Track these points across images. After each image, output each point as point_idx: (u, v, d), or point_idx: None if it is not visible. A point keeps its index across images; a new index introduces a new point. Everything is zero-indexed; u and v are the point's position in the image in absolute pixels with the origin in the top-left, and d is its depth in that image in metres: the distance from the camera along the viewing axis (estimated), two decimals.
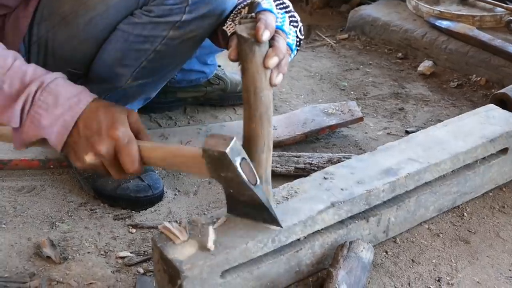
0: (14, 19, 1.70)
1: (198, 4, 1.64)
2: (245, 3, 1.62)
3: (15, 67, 1.43)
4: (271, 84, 1.40)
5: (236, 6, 1.67)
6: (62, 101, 1.42)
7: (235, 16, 1.61)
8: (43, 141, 1.47)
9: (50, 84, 1.44)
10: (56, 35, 1.69)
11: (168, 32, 1.68)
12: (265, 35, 1.34)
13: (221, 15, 1.69)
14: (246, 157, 1.37)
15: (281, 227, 1.48)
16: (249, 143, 1.44)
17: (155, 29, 1.67)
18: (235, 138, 1.34)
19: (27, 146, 1.49)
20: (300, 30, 1.61)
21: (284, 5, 1.59)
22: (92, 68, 1.77)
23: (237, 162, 1.34)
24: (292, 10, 1.62)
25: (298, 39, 1.61)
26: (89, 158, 1.44)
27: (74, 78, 1.78)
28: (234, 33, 1.45)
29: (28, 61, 1.70)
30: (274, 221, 1.48)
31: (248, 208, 1.47)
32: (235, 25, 1.54)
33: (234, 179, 1.37)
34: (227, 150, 1.30)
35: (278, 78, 1.41)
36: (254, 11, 1.41)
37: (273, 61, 1.37)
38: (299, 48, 1.62)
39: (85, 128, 1.43)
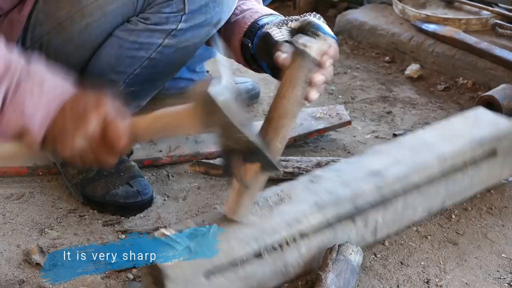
0: (7, 23, 1.70)
1: (194, 13, 1.65)
2: (294, 17, 1.61)
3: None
4: (308, 100, 1.48)
5: (255, 16, 1.69)
6: (47, 89, 1.40)
7: (281, 24, 1.60)
8: (19, 141, 1.42)
9: (36, 72, 1.41)
10: (51, 40, 1.69)
11: (163, 40, 1.69)
12: (329, 62, 1.47)
13: (217, 25, 1.70)
14: (233, 96, 1.36)
15: (279, 170, 1.49)
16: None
17: (151, 37, 1.68)
18: (221, 77, 1.35)
19: (7, 138, 1.43)
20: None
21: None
22: (84, 74, 1.77)
23: (222, 101, 1.33)
24: None
25: None
26: (77, 140, 1.38)
27: None
28: (286, 41, 1.53)
29: None
30: (270, 165, 1.45)
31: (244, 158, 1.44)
32: (282, 34, 1.57)
33: (223, 122, 1.34)
34: (211, 90, 1.31)
35: (315, 95, 1.49)
36: (310, 29, 1.49)
37: (320, 79, 1.47)
38: None
39: (71, 111, 1.39)
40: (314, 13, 1.59)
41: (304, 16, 1.57)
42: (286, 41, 1.54)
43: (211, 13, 1.66)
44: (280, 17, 1.67)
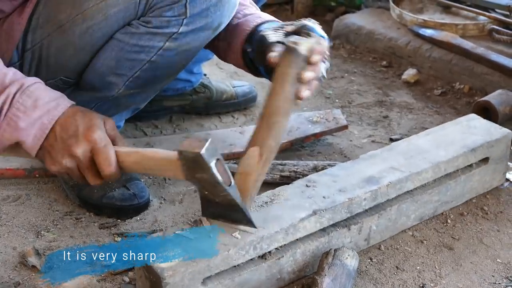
0: (8, 25, 1.70)
1: (196, 17, 1.65)
2: (290, 22, 1.64)
3: None
4: (299, 97, 1.51)
5: (256, 21, 1.72)
6: (41, 104, 1.46)
7: (277, 28, 1.63)
8: (16, 147, 1.49)
9: (30, 87, 1.47)
10: (51, 42, 1.69)
11: (164, 43, 1.69)
12: (316, 58, 1.49)
13: (218, 29, 1.71)
14: (221, 157, 1.40)
15: (255, 227, 1.50)
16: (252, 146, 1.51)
17: (152, 40, 1.68)
18: (210, 140, 1.38)
19: (3, 149, 1.50)
20: (326, 69, 1.63)
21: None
22: (84, 76, 1.78)
23: (212, 163, 1.36)
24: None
25: (321, 75, 1.62)
26: (65, 161, 1.45)
27: (66, 85, 1.79)
28: (279, 42, 1.57)
29: (21, 68, 1.71)
30: (248, 222, 1.49)
31: (222, 209, 1.48)
32: (276, 36, 1.60)
33: (209, 180, 1.39)
34: (203, 151, 1.34)
35: (306, 93, 1.52)
36: (303, 31, 1.54)
37: (308, 75, 1.49)
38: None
39: (62, 131, 1.45)
40: (309, 18, 1.63)
41: (300, 20, 1.61)
42: (279, 42, 1.57)
43: (212, 17, 1.67)
44: (279, 23, 1.70)
